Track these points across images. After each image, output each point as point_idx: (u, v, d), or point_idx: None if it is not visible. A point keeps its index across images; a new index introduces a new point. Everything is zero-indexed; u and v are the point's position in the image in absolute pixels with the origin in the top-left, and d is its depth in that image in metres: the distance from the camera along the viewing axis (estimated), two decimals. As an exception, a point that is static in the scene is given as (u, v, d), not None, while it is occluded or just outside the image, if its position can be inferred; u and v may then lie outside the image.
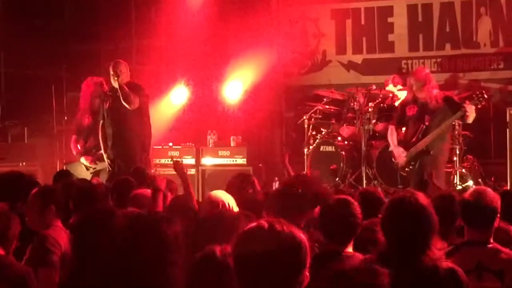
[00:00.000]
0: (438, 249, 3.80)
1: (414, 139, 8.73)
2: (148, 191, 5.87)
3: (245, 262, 2.56)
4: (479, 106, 8.68)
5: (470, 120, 8.67)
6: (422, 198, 3.90)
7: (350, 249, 4.43)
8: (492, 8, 11.77)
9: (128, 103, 8.94)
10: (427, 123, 8.65)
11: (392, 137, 9.00)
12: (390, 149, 9.13)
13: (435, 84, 8.95)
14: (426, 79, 8.76)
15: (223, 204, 5.39)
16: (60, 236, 4.97)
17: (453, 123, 9.20)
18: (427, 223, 3.81)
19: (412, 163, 8.75)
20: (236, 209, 5.46)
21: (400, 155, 8.84)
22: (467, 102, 8.61)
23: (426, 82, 8.72)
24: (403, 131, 9.05)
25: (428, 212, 3.84)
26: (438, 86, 9.07)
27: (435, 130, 8.60)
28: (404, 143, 8.84)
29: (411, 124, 8.85)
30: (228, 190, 5.76)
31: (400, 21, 12.25)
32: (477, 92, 8.82)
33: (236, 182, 6.26)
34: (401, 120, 8.99)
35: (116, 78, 8.98)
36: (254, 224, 2.60)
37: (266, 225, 2.57)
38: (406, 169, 8.82)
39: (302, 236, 2.59)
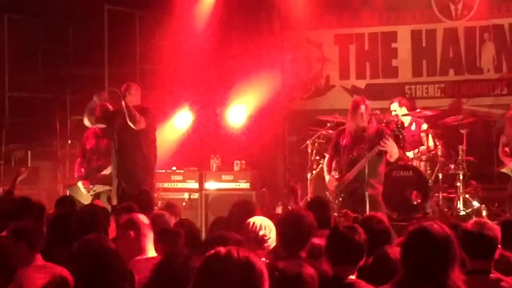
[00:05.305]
0: (458, 278, 3.78)
1: (342, 172, 8.44)
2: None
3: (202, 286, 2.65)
4: (400, 137, 8.55)
5: (392, 158, 8.48)
6: (442, 227, 3.90)
7: (353, 276, 4.42)
8: (495, 34, 11.82)
9: (134, 123, 8.88)
10: (355, 155, 8.37)
11: (327, 166, 8.68)
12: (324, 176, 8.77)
13: (371, 116, 8.65)
14: (359, 108, 8.47)
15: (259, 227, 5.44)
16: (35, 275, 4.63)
17: (379, 158, 8.42)
18: (449, 252, 3.80)
19: (342, 195, 8.40)
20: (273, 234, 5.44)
21: (331, 184, 8.53)
22: (387, 136, 8.26)
23: (359, 111, 8.44)
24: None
25: (451, 240, 3.83)
26: (376, 119, 8.79)
27: (359, 163, 8.28)
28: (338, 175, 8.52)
29: (343, 155, 8.53)
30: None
31: (404, 46, 12.29)
32: (396, 125, 8.70)
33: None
34: (336, 149, 8.66)
35: (124, 96, 8.93)
36: (212, 251, 2.70)
37: (223, 251, 2.67)
38: (336, 201, 8.41)
39: (259, 261, 2.66)
